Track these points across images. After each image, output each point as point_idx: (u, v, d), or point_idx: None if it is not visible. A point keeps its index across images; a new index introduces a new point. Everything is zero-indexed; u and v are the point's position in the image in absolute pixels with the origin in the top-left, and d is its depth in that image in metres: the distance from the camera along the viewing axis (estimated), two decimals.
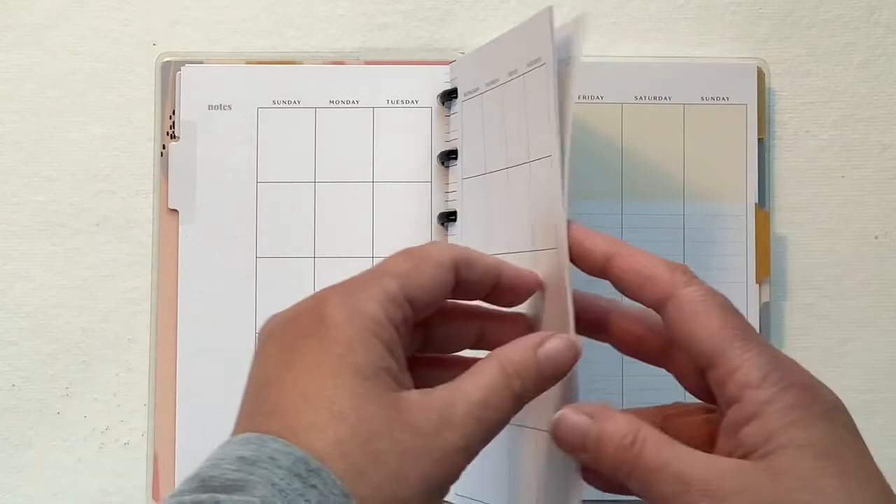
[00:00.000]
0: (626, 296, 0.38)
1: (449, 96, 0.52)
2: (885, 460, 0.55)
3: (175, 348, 0.52)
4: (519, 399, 0.35)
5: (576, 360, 0.36)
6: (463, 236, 0.49)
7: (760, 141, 0.53)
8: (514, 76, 0.43)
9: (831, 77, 0.55)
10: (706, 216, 0.52)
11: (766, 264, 0.52)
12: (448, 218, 0.51)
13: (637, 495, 0.36)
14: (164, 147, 0.53)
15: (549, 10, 0.40)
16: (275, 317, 0.36)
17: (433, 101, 0.52)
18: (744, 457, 0.35)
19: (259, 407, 0.34)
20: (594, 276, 0.38)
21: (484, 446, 0.34)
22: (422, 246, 0.36)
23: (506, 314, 0.40)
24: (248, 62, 0.53)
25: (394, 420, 0.32)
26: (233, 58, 0.54)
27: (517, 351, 0.35)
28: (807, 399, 0.35)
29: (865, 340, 0.54)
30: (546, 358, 0.36)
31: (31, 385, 0.53)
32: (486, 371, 0.35)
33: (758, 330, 0.51)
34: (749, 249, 0.52)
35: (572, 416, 0.36)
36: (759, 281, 0.52)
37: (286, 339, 0.35)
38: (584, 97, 0.52)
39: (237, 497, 0.30)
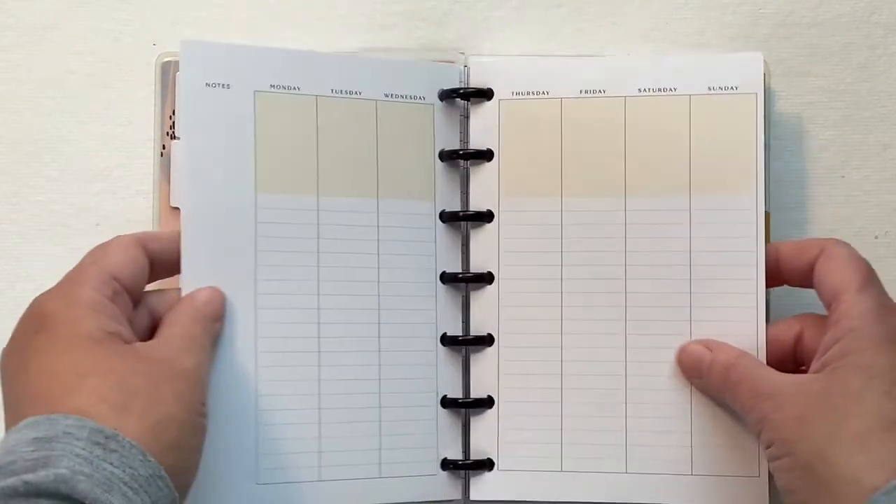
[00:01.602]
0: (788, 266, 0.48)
1: (449, 95, 0.52)
2: None
3: None
4: (204, 324, 0.45)
5: (221, 302, 0.46)
6: None
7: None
8: None
9: (831, 77, 0.55)
10: (713, 210, 0.50)
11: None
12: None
13: (734, 409, 0.47)
14: (164, 147, 0.52)
15: None
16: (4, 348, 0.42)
17: (436, 99, 0.52)
18: (817, 372, 0.43)
19: (20, 400, 0.39)
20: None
21: (209, 359, 0.44)
22: (109, 239, 0.45)
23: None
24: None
25: (133, 361, 0.40)
26: None
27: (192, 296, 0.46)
28: (890, 334, 0.42)
29: None
30: (202, 301, 0.46)
31: None
32: (180, 312, 0.45)
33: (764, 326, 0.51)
34: (759, 244, 0.50)
35: (694, 345, 0.48)
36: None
37: (18, 347, 0.41)
38: (585, 91, 0.51)
39: (44, 472, 0.34)
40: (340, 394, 0.50)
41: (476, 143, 0.52)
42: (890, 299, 0.44)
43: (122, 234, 0.46)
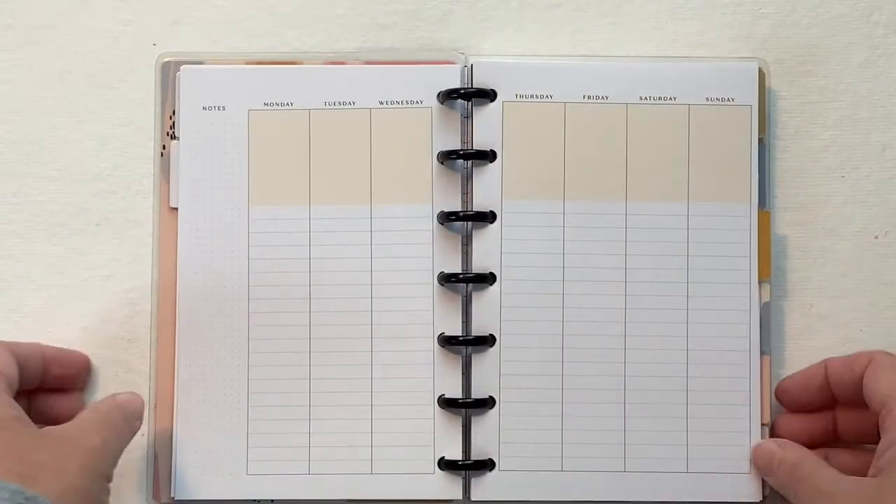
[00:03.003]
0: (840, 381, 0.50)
1: (449, 96, 0.52)
2: None
3: (175, 348, 0.52)
4: (124, 414, 0.47)
5: (141, 404, 0.48)
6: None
7: (760, 141, 0.53)
8: None
9: (831, 77, 0.55)
10: (709, 217, 0.52)
11: (766, 264, 0.52)
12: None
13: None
14: (164, 147, 0.53)
15: None
16: None
17: (433, 101, 0.52)
18: (875, 475, 0.45)
19: None
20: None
21: (120, 441, 0.46)
22: None
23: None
24: (248, 62, 0.53)
25: (37, 440, 0.43)
26: (233, 58, 0.53)
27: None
28: None
29: (865, 340, 0.54)
30: (124, 400, 0.48)
31: None
32: (102, 401, 0.48)
33: (758, 330, 0.52)
34: (752, 250, 0.52)
35: (768, 442, 0.50)
36: (759, 281, 0.52)
37: None
38: (588, 97, 0.52)
39: None
40: (331, 392, 0.51)
41: (479, 143, 0.52)
42: None
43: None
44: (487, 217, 0.51)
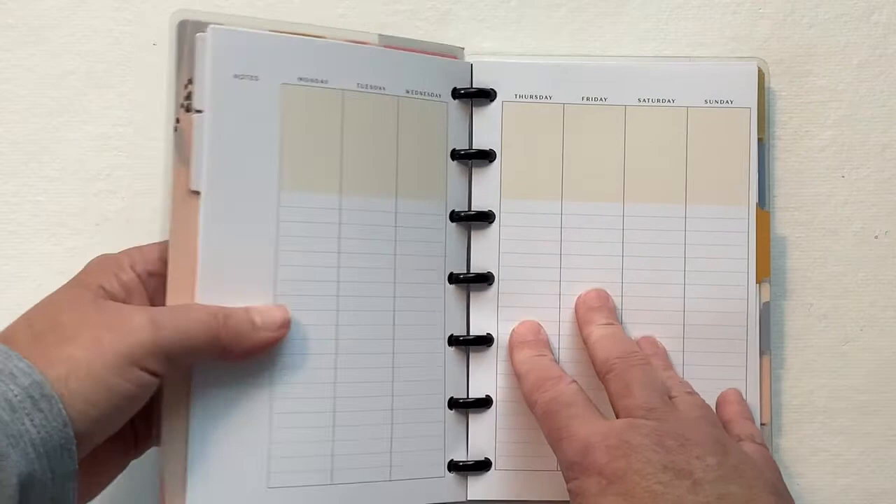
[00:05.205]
0: None
1: (460, 93, 0.51)
2: (885, 460, 0.55)
3: None
4: (212, 330, 0.43)
5: (285, 329, 0.46)
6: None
7: (760, 141, 0.52)
8: None
9: (831, 77, 0.55)
10: (707, 219, 0.52)
11: (766, 264, 0.52)
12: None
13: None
14: (177, 121, 0.46)
15: None
16: None
17: (448, 96, 0.51)
18: None
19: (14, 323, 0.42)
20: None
21: (174, 351, 0.41)
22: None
23: None
24: (277, 31, 0.48)
25: (90, 308, 0.41)
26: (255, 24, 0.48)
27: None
28: None
29: (865, 340, 0.54)
30: (257, 311, 0.45)
31: None
32: (195, 309, 0.44)
33: (758, 330, 0.52)
34: (750, 252, 0.52)
35: None
36: (759, 281, 0.52)
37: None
38: (587, 98, 0.52)
39: None
40: (356, 396, 0.48)
41: (478, 143, 0.52)
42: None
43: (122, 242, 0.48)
44: (486, 217, 0.51)
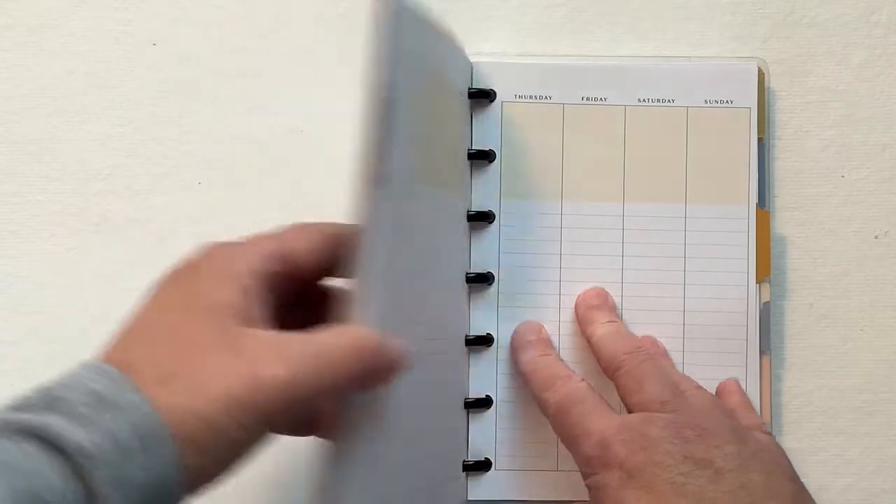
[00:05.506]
0: None
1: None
2: (885, 460, 0.55)
3: None
4: (363, 359, 0.36)
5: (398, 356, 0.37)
6: None
7: (760, 141, 0.53)
8: None
9: (831, 77, 0.55)
10: (707, 219, 0.52)
11: (766, 264, 0.52)
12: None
13: None
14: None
15: None
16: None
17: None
18: None
19: (120, 335, 0.36)
20: None
21: (314, 392, 0.34)
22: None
23: None
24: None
25: (215, 341, 0.34)
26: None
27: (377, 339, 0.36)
28: None
29: (865, 340, 0.54)
30: (393, 348, 0.37)
31: (30, 385, 0.53)
32: (344, 333, 0.36)
33: (758, 330, 0.52)
34: (750, 252, 0.52)
35: None
36: (759, 281, 0.52)
37: (162, 281, 0.38)
38: (587, 98, 0.52)
39: (82, 433, 0.31)
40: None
41: (478, 143, 0.52)
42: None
43: (339, 223, 0.40)
44: (486, 217, 0.51)
